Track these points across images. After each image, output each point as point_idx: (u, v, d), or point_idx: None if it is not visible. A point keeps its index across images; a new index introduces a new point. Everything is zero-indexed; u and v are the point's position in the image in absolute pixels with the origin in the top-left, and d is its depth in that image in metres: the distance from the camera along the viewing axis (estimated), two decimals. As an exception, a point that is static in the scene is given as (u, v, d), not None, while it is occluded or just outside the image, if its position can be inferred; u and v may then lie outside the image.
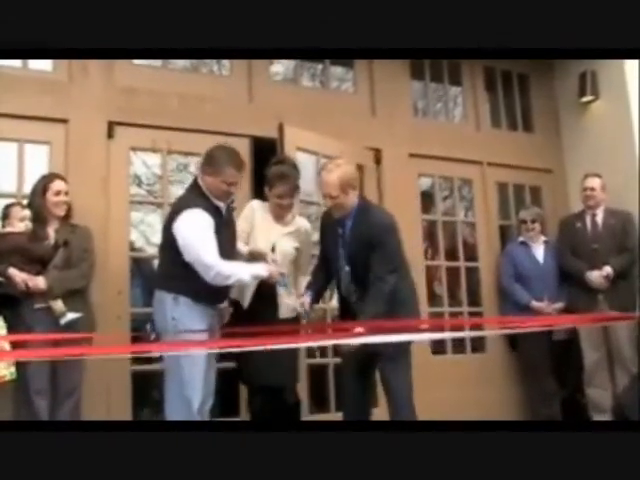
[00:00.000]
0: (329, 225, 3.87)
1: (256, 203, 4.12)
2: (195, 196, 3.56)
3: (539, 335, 5.16)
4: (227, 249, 3.54)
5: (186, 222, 3.43)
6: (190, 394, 3.41)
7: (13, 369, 3.44)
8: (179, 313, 3.46)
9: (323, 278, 3.93)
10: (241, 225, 3.97)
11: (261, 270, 3.59)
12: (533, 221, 5.49)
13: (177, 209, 3.52)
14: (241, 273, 3.51)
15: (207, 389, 3.55)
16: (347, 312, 3.82)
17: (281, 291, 3.85)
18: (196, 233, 3.42)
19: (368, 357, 3.70)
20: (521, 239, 5.53)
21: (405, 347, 3.71)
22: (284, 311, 3.95)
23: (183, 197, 3.69)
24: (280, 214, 4.03)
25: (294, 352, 4.00)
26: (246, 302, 3.90)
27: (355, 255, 3.74)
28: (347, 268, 3.79)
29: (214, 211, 3.53)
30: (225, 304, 3.85)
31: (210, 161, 3.59)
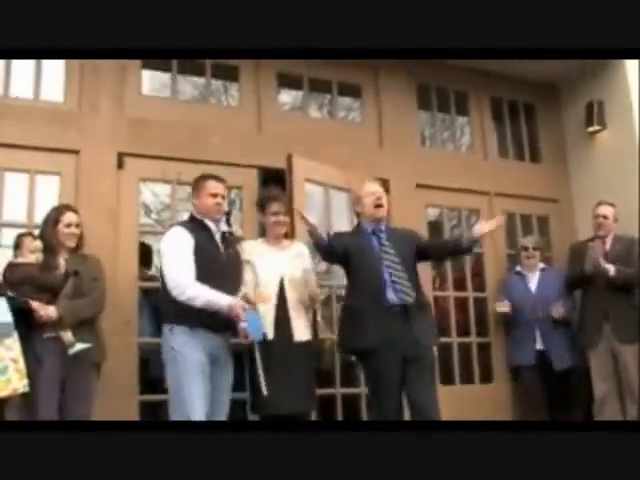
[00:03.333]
0: (357, 238, 3.91)
1: (251, 242, 4.24)
2: (184, 220, 3.76)
3: (537, 366, 5.18)
4: (217, 273, 3.56)
5: (164, 241, 3.60)
6: (190, 412, 3.39)
7: (26, 381, 3.48)
8: (177, 343, 3.51)
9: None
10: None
11: (223, 300, 3.44)
12: (535, 249, 5.50)
13: None
14: (209, 295, 3.44)
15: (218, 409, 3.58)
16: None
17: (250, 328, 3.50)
18: (170, 250, 3.55)
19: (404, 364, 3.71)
20: (517, 269, 5.55)
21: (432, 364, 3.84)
22: (298, 334, 3.95)
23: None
24: (277, 233, 4.14)
25: (310, 378, 4.01)
26: (270, 332, 3.82)
27: (405, 257, 3.83)
28: (402, 274, 3.77)
29: (201, 229, 3.62)
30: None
31: (194, 186, 3.80)
